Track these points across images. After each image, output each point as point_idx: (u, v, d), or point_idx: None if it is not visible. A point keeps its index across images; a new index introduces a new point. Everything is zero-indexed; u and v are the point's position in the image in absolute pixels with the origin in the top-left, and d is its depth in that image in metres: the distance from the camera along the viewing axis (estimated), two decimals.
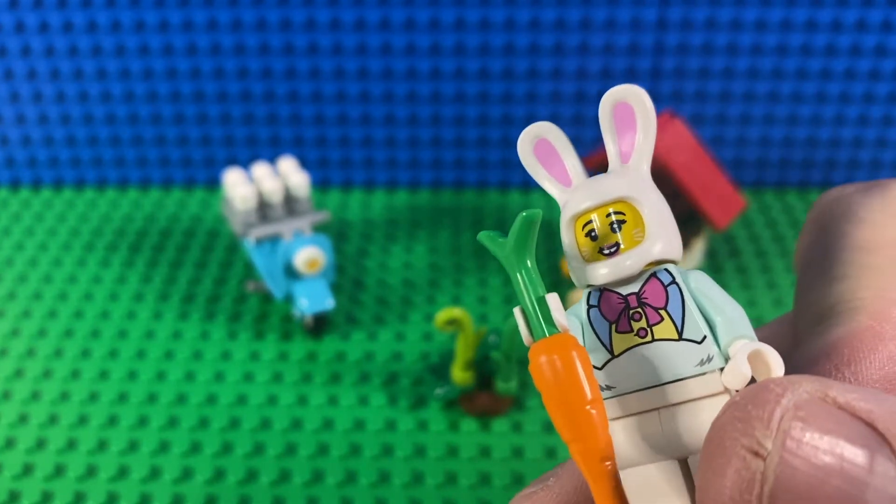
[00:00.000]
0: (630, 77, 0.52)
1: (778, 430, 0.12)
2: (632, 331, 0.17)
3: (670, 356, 0.16)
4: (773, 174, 0.56)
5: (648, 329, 0.17)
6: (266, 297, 0.46)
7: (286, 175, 0.44)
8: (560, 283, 0.46)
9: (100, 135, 0.55)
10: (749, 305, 0.45)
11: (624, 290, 0.17)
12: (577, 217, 0.18)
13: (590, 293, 0.18)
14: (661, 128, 0.42)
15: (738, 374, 0.15)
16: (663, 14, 0.50)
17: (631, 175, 0.18)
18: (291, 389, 0.40)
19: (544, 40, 0.51)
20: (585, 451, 0.15)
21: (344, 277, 0.47)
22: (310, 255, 0.41)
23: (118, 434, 0.38)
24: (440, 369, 0.39)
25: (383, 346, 0.42)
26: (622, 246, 0.17)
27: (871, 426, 0.12)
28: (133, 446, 0.37)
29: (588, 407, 0.15)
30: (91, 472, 0.36)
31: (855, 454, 0.12)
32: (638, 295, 0.17)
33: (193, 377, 0.41)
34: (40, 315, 0.45)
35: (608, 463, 0.15)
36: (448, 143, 0.55)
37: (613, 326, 0.17)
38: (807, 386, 0.13)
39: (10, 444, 0.37)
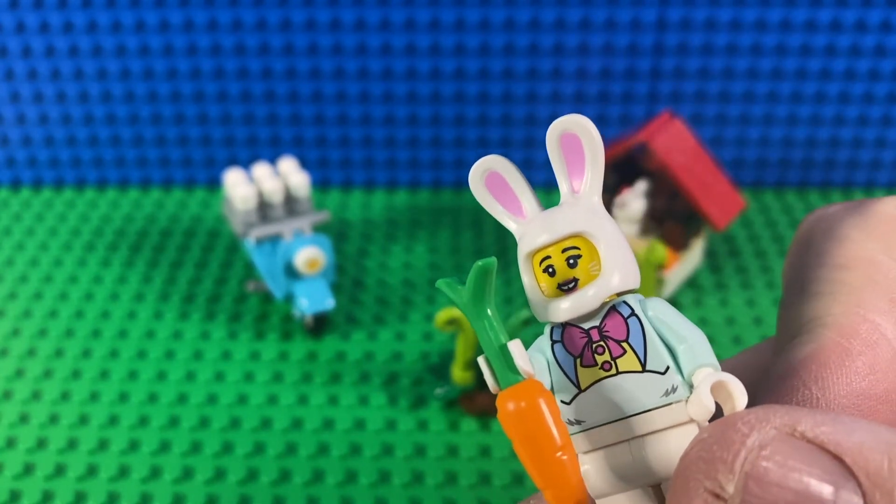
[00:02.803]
0: (630, 77, 0.52)
1: (740, 474, 0.12)
2: (596, 364, 0.17)
3: (635, 388, 0.17)
4: (772, 174, 0.56)
5: (612, 362, 0.17)
6: (266, 297, 0.46)
7: (286, 175, 0.44)
8: None
9: (100, 135, 0.55)
10: (748, 305, 0.45)
11: (586, 325, 0.17)
12: (533, 253, 0.18)
13: (552, 329, 0.18)
14: (660, 128, 0.42)
15: (702, 407, 0.16)
16: (663, 14, 0.50)
17: (583, 207, 0.18)
18: (291, 389, 0.40)
19: (544, 41, 0.51)
20: (559, 497, 0.16)
21: (344, 277, 0.48)
22: (310, 255, 0.41)
23: (119, 434, 0.38)
24: (440, 369, 0.40)
25: (383, 346, 0.42)
26: (580, 281, 0.17)
27: (838, 459, 0.12)
28: (133, 446, 0.37)
29: (559, 454, 0.16)
30: (91, 471, 0.36)
31: (820, 490, 0.12)
32: (599, 329, 0.17)
33: (194, 377, 0.41)
34: (41, 315, 0.45)
35: None
36: (448, 144, 0.55)
37: (578, 361, 0.17)
38: (775, 421, 0.13)
39: (10, 443, 0.37)
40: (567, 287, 0.17)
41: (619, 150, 0.42)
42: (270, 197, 0.43)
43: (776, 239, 0.51)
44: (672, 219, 0.43)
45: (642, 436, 0.17)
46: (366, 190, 0.56)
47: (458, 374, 0.38)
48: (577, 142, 0.18)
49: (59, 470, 0.36)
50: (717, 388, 0.16)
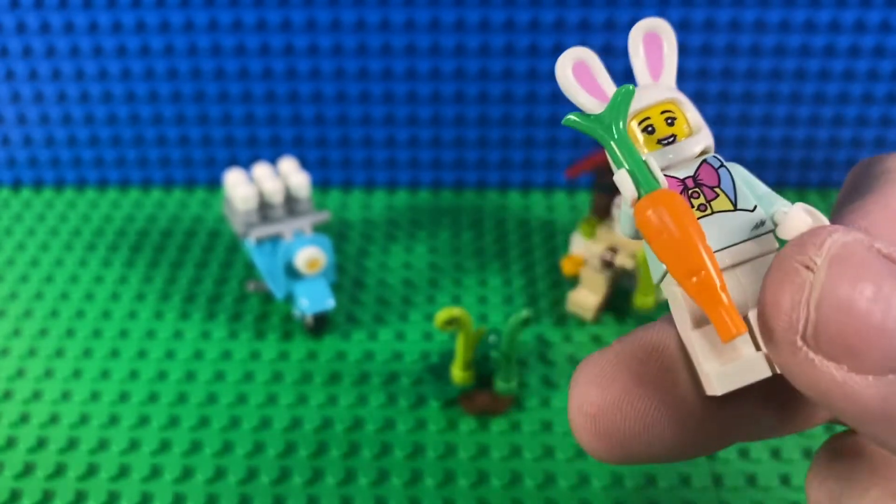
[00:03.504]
0: (629, 78, 0.52)
1: (827, 254, 0.15)
2: (693, 207, 0.19)
3: (730, 224, 0.19)
4: (771, 174, 0.56)
5: (707, 204, 0.19)
6: (266, 297, 0.46)
7: (287, 175, 0.44)
8: (561, 284, 0.46)
9: (101, 135, 0.55)
10: None
11: (680, 174, 0.20)
12: (634, 114, 0.21)
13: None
14: None
15: (801, 222, 0.18)
16: (662, 15, 0.50)
17: (665, 86, 0.21)
18: (291, 389, 0.40)
19: (544, 41, 0.51)
20: (704, 281, 0.17)
21: (344, 277, 0.48)
22: (310, 255, 0.41)
23: (119, 433, 0.38)
24: (440, 369, 0.40)
25: (383, 346, 0.43)
26: (677, 136, 0.20)
27: None
28: (134, 445, 0.37)
29: (700, 242, 0.17)
30: (92, 471, 0.36)
31: (893, 284, 0.14)
32: (694, 177, 0.20)
33: (194, 377, 0.41)
34: (42, 315, 0.45)
35: (724, 292, 0.17)
36: (448, 144, 0.55)
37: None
38: (856, 234, 0.15)
39: (11, 443, 0.37)
40: (667, 141, 0.20)
41: None
42: (271, 197, 0.43)
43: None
44: None
45: (735, 265, 0.19)
46: (366, 190, 0.56)
47: (458, 373, 0.38)
48: (658, 40, 0.21)
49: (60, 469, 0.36)
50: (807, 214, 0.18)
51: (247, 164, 0.55)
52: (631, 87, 0.19)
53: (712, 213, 0.19)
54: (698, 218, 0.19)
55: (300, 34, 0.51)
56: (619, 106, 0.19)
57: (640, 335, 0.19)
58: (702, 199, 0.19)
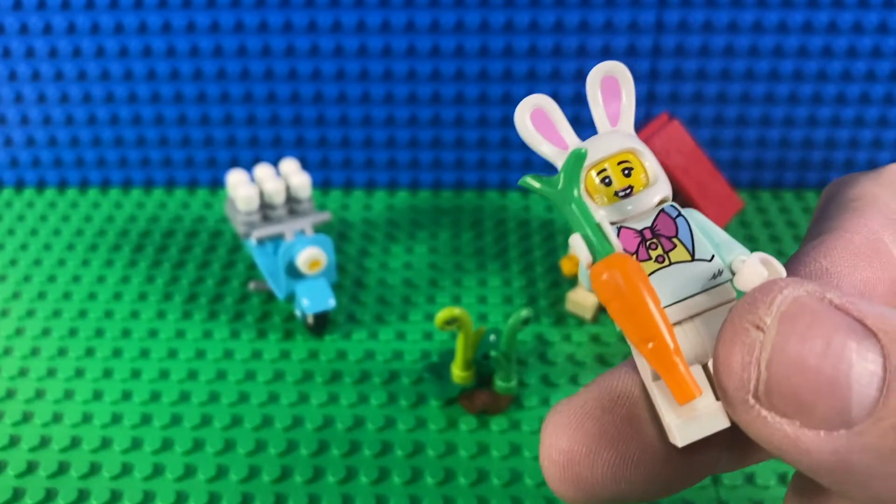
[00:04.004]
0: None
1: (777, 311, 0.15)
2: (650, 258, 0.20)
3: (687, 275, 0.19)
4: (769, 175, 0.56)
5: (665, 255, 0.20)
6: (268, 297, 0.46)
7: (288, 176, 0.45)
8: (560, 283, 0.47)
9: (103, 136, 0.55)
10: None
11: (638, 226, 0.20)
12: (592, 165, 0.21)
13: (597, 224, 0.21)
14: (658, 129, 0.42)
15: (755, 275, 0.18)
16: (661, 17, 0.50)
17: (622, 133, 0.21)
18: (293, 388, 0.40)
19: (543, 42, 0.51)
20: (658, 347, 0.17)
21: (345, 277, 0.48)
22: (311, 256, 0.41)
23: (121, 432, 0.38)
24: (440, 368, 0.40)
25: (384, 346, 0.43)
26: (634, 187, 0.20)
27: (860, 322, 0.14)
28: (136, 444, 0.37)
29: (654, 308, 0.18)
30: (94, 469, 0.36)
31: (844, 338, 0.14)
32: (652, 228, 0.20)
33: (196, 376, 0.41)
34: (44, 314, 0.45)
35: (678, 357, 0.17)
36: (448, 145, 0.55)
37: (634, 256, 0.20)
38: (808, 286, 0.15)
39: (14, 441, 0.38)
40: (623, 193, 0.20)
41: None
42: (272, 198, 0.43)
43: (773, 239, 0.51)
44: None
45: (693, 316, 0.19)
46: (367, 191, 0.57)
47: (458, 373, 0.38)
48: (615, 83, 0.21)
49: (62, 468, 0.36)
50: (763, 264, 0.19)
51: (248, 165, 0.55)
52: (583, 150, 0.19)
53: (670, 263, 0.19)
54: (656, 269, 0.19)
55: (301, 36, 0.51)
56: (571, 171, 0.19)
57: (606, 382, 0.20)
58: (659, 251, 0.20)
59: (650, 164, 0.20)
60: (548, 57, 0.51)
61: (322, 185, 0.57)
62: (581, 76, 0.52)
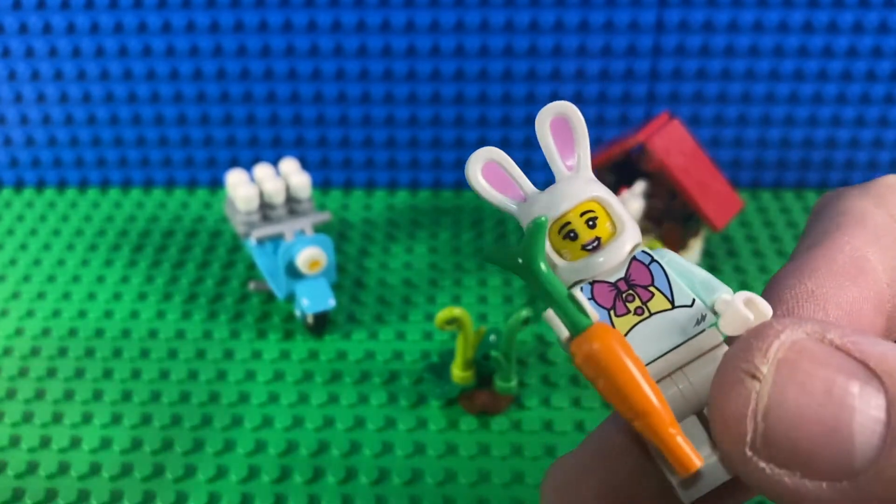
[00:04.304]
0: (628, 79, 0.52)
1: (773, 359, 0.14)
2: (629, 312, 0.19)
3: (669, 325, 0.18)
4: (770, 175, 0.56)
5: (644, 306, 0.19)
6: (268, 297, 0.46)
7: (288, 176, 0.45)
8: None
9: (103, 136, 0.55)
10: None
11: (612, 279, 0.19)
12: (553, 220, 0.19)
13: (581, 288, 0.19)
14: (659, 129, 0.42)
15: (739, 317, 0.17)
16: (661, 16, 0.50)
17: (583, 179, 0.20)
18: (293, 388, 0.40)
19: (543, 42, 0.51)
20: (652, 423, 0.16)
21: (345, 277, 0.48)
22: (311, 256, 0.41)
23: (121, 433, 0.38)
24: (440, 368, 0.40)
25: (384, 346, 0.43)
26: (602, 239, 0.19)
27: (863, 363, 0.14)
28: (136, 444, 0.37)
29: (643, 381, 0.16)
30: (95, 470, 0.36)
31: (846, 383, 0.14)
32: (626, 279, 0.19)
33: (196, 376, 0.41)
34: (44, 314, 0.45)
35: (675, 428, 0.17)
36: (448, 145, 0.55)
37: (612, 312, 0.19)
38: (806, 327, 0.15)
39: (14, 442, 0.38)
40: (591, 246, 0.19)
41: (617, 150, 0.42)
42: (272, 198, 0.43)
43: (774, 239, 0.51)
44: (670, 219, 0.43)
45: (684, 366, 0.18)
46: (366, 191, 0.57)
47: (458, 373, 0.38)
48: (566, 125, 0.20)
49: (63, 468, 0.36)
50: (747, 304, 0.17)
51: (248, 165, 0.55)
52: (543, 218, 0.18)
53: (650, 315, 0.18)
54: (637, 323, 0.18)
55: (301, 36, 0.51)
56: (534, 242, 0.18)
57: (608, 436, 0.19)
58: (637, 302, 0.19)
59: (616, 210, 0.19)
60: (548, 57, 0.51)
61: (322, 184, 0.57)
62: (582, 76, 0.52)
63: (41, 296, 0.47)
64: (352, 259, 0.49)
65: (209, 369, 0.41)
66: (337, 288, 0.46)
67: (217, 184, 0.57)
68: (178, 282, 0.48)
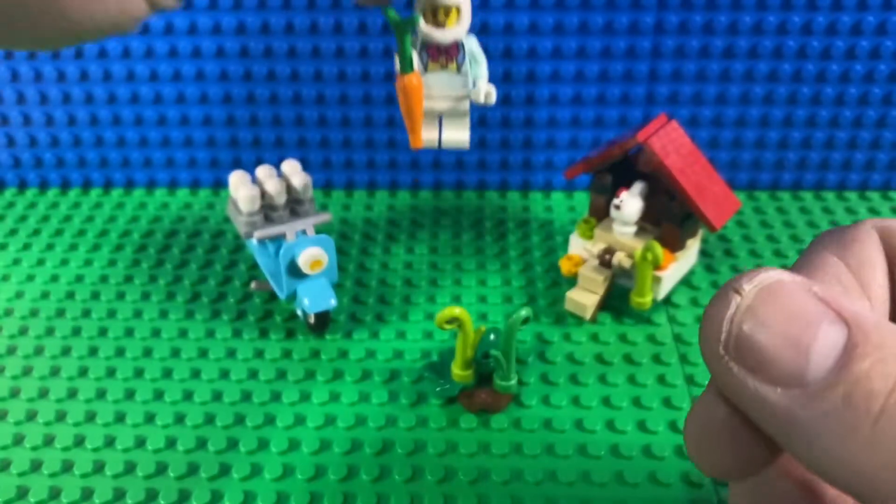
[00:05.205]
0: (627, 80, 0.53)
1: (759, 284, 0.17)
2: (437, 62, 0.37)
3: (451, 78, 0.38)
4: (767, 176, 0.56)
5: (445, 64, 0.37)
6: (270, 297, 0.46)
7: (290, 177, 0.45)
8: (559, 283, 0.47)
9: (106, 137, 0.56)
10: None
11: (440, 44, 0.37)
12: (431, 6, 0.36)
13: (425, 44, 0.37)
14: (657, 130, 0.42)
15: (478, 94, 0.38)
16: (661, 19, 0.51)
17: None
18: (294, 387, 0.41)
19: (543, 44, 0.51)
20: (415, 135, 0.38)
21: (346, 277, 0.48)
22: (313, 256, 0.42)
23: (125, 431, 0.38)
24: (441, 367, 0.40)
25: (384, 345, 0.43)
26: (446, 25, 0.36)
27: (837, 312, 0.16)
28: (139, 443, 0.38)
29: (416, 111, 0.37)
30: (98, 468, 0.36)
31: (816, 316, 0.16)
32: (447, 48, 0.37)
33: (199, 375, 0.41)
34: (47, 314, 0.45)
35: (419, 136, 0.38)
36: None
37: (429, 58, 0.37)
38: (797, 277, 0.17)
39: (18, 440, 0.38)
40: (440, 24, 0.36)
41: (616, 151, 0.42)
42: (274, 198, 0.44)
43: (771, 240, 0.51)
44: (668, 219, 0.43)
45: (445, 114, 0.39)
46: (368, 191, 0.57)
47: (458, 372, 0.38)
48: None
49: (66, 467, 0.37)
50: (487, 94, 0.38)
51: (250, 166, 0.56)
52: (417, 15, 0.35)
53: (444, 69, 0.37)
54: (437, 70, 0.37)
55: (303, 38, 0.52)
56: (412, 23, 0.35)
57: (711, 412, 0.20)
58: (443, 60, 0.37)
59: (464, 15, 0.36)
60: (548, 59, 0.52)
61: (323, 185, 0.57)
62: (581, 78, 0.52)
63: (45, 295, 0.47)
64: (353, 259, 0.50)
65: (211, 368, 0.42)
66: (338, 288, 0.47)
67: (219, 185, 0.57)
68: (180, 281, 0.48)
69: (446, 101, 0.38)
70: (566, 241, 0.50)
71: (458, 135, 0.39)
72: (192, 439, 0.38)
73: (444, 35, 0.36)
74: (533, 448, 0.37)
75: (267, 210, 0.44)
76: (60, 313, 0.46)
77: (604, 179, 0.45)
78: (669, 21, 0.51)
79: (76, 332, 0.44)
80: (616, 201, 0.43)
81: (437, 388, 0.39)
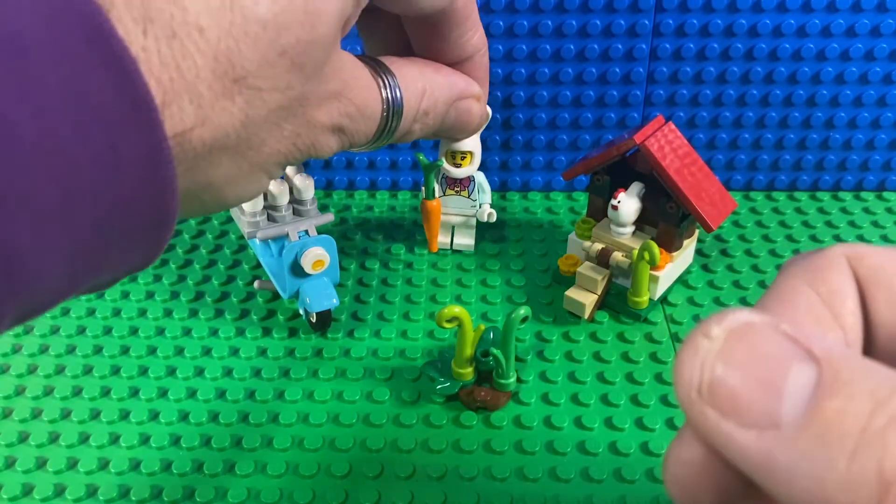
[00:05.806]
0: (627, 83, 0.53)
1: (727, 326, 0.17)
2: (453, 189, 0.48)
3: (464, 202, 0.49)
4: (763, 177, 0.57)
5: (459, 192, 0.48)
6: (273, 296, 0.47)
7: (292, 178, 0.45)
8: (558, 282, 0.48)
9: None
10: (739, 304, 0.46)
11: (457, 178, 0.47)
12: (451, 151, 0.46)
13: (444, 176, 0.48)
14: (654, 132, 0.43)
15: (483, 214, 0.49)
16: (659, 22, 0.51)
17: (474, 142, 0.46)
18: (298, 385, 0.41)
19: (544, 47, 0.52)
20: (433, 241, 0.50)
21: (348, 277, 0.49)
22: (315, 255, 0.42)
23: (129, 429, 0.39)
24: (441, 365, 0.41)
25: (387, 343, 0.44)
26: (462, 165, 0.46)
27: (807, 350, 0.16)
28: (144, 440, 0.38)
29: (434, 227, 0.49)
30: (103, 466, 0.37)
31: (787, 355, 0.16)
32: (461, 181, 0.48)
33: (203, 373, 0.42)
34: (52, 313, 0.46)
35: (435, 242, 0.50)
36: None
37: (448, 185, 0.48)
38: (764, 317, 0.17)
39: (23, 438, 0.38)
40: (458, 165, 0.46)
41: (614, 153, 0.43)
42: (276, 199, 0.44)
43: (766, 240, 0.52)
44: (665, 220, 0.44)
45: (456, 226, 0.50)
46: (369, 192, 0.57)
47: (458, 370, 0.39)
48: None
49: (71, 464, 0.37)
50: (489, 215, 0.49)
51: None
52: (440, 161, 0.46)
53: (458, 195, 0.48)
54: (453, 195, 0.48)
55: None
56: (437, 166, 0.46)
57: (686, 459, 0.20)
58: (457, 188, 0.48)
59: (474, 157, 0.46)
60: (547, 61, 0.52)
61: (325, 186, 0.57)
62: (580, 80, 0.53)
63: None
64: (354, 259, 0.50)
65: (215, 367, 0.42)
66: (340, 287, 0.47)
67: None
68: (184, 281, 0.48)
69: (458, 217, 0.49)
70: (565, 242, 0.51)
71: (465, 241, 0.50)
72: (196, 437, 0.38)
73: (460, 172, 0.46)
74: (532, 445, 0.37)
75: (269, 210, 0.45)
76: (65, 312, 0.46)
77: (602, 180, 0.45)
78: (667, 24, 0.51)
79: (81, 330, 0.45)
80: (614, 202, 0.43)
81: (438, 386, 0.39)
